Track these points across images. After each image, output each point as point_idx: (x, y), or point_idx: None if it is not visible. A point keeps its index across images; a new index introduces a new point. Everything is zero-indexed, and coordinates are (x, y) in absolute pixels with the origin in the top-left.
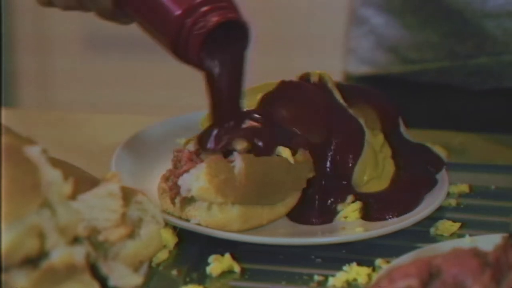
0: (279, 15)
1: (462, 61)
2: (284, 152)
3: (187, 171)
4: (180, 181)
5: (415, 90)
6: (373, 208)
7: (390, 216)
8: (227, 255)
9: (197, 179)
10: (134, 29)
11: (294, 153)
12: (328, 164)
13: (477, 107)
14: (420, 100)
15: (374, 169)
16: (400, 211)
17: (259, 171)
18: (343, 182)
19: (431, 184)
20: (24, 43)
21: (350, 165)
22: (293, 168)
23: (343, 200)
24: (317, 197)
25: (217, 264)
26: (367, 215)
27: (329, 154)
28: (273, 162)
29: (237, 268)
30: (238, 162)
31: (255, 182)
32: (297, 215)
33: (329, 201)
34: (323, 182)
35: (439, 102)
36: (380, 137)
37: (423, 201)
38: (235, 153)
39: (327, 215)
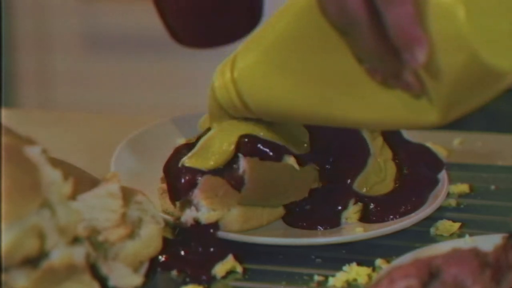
0: None
1: None
2: (289, 159)
3: (185, 205)
4: (184, 218)
5: None
6: (372, 212)
7: (391, 218)
8: (230, 256)
9: (200, 210)
10: (134, 29)
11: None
12: (329, 173)
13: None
14: None
15: (376, 175)
16: (403, 213)
17: (262, 174)
18: (345, 190)
19: (433, 184)
20: (24, 43)
21: (350, 180)
22: (297, 175)
23: (345, 207)
24: (320, 205)
25: (221, 265)
26: (366, 218)
27: (331, 165)
28: (277, 167)
29: (239, 268)
30: (242, 164)
31: (257, 185)
32: (301, 222)
33: (334, 209)
34: (325, 189)
35: None
36: (380, 140)
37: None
38: (239, 155)
39: (333, 222)
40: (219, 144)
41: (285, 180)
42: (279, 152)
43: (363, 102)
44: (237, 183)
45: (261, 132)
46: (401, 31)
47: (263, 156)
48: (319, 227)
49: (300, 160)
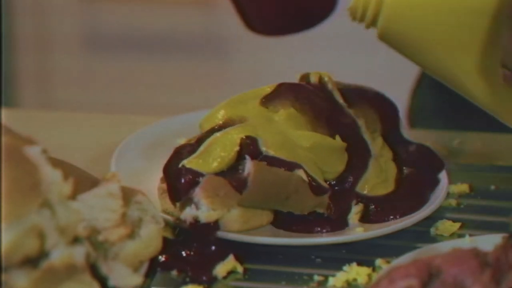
0: None
1: None
2: (299, 170)
3: (185, 203)
4: (183, 216)
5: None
6: (372, 212)
7: (392, 219)
8: (230, 256)
9: (200, 208)
10: (134, 29)
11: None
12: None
13: None
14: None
15: (378, 176)
16: (403, 213)
17: (267, 179)
18: (347, 193)
19: (433, 184)
20: (24, 43)
21: (350, 184)
22: (302, 189)
23: (349, 210)
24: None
25: (222, 265)
26: (367, 218)
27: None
28: (284, 174)
29: (240, 268)
30: (248, 166)
31: (259, 189)
32: (303, 228)
33: (338, 212)
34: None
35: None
36: (380, 140)
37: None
38: (246, 157)
39: (338, 226)
40: (221, 148)
41: (289, 189)
42: (287, 165)
43: (495, 94)
44: (239, 185)
45: (272, 150)
46: None
47: (261, 157)
48: (324, 230)
49: (317, 190)
